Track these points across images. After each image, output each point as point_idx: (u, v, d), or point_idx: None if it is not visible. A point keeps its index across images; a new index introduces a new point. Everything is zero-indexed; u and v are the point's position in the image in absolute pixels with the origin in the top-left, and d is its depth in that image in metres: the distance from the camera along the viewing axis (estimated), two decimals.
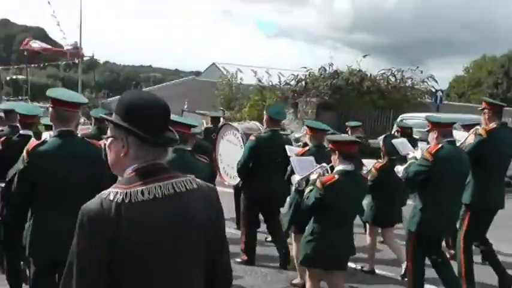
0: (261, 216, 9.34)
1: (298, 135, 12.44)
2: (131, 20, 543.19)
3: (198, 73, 79.17)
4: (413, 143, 8.96)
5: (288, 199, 7.68)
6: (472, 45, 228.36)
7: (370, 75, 24.43)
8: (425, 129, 7.30)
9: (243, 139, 9.37)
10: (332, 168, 6.17)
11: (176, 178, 2.51)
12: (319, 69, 24.54)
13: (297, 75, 25.12)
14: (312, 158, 7.02)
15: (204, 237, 2.53)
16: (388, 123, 21.10)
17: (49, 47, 25.61)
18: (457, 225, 7.57)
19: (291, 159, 7.28)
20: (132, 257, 2.34)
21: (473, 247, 7.66)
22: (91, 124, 10.80)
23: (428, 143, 7.07)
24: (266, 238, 9.94)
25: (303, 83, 24.35)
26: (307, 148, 8.06)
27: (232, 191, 10.07)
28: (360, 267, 8.87)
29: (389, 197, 8.33)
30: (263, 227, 9.44)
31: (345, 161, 5.86)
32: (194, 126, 5.93)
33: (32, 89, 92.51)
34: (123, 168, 2.52)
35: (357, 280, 8.42)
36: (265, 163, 8.28)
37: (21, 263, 6.86)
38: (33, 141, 5.31)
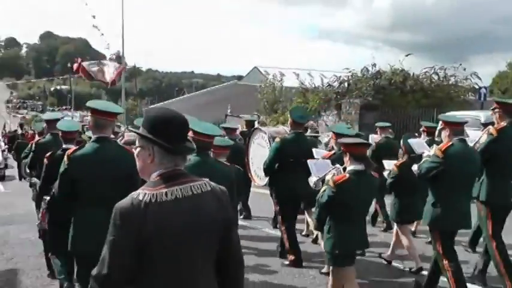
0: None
1: (326, 139, 12.72)
2: (172, 28, 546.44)
3: (239, 77, 79.36)
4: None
5: None
6: None
7: (413, 74, 24.28)
8: (438, 128, 7.70)
9: (269, 141, 10.14)
10: (345, 169, 6.68)
11: (193, 182, 3.11)
12: (362, 70, 24.49)
13: (340, 76, 25.07)
14: (328, 161, 7.71)
15: (216, 231, 3.12)
16: (432, 122, 20.88)
17: (95, 73, 25.84)
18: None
19: (308, 162, 7.80)
20: (157, 246, 2.92)
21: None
22: None
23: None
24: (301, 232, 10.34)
25: (346, 84, 24.31)
26: (332, 152, 8.73)
27: (268, 192, 10.30)
28: (407, 269, 9.17)
29: (410, 193, 8.61)
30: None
31: (356, 161, 6.38)
32: (215, 136, 6.60)
33: (76, 98, 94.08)
34: (149, 173, 3.12)
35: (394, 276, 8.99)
36: (290, 163, 8.67)
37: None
38: (73, 148, 6.18)
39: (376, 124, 13.26)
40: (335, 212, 6.47)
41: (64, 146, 7.58)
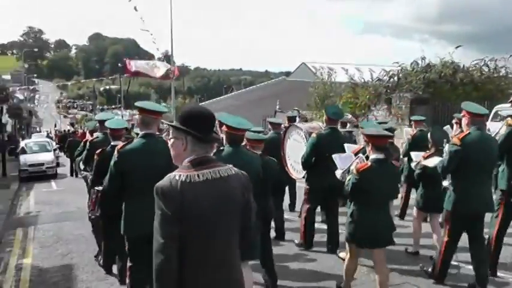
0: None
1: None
2: (219, 25, 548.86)
3: (287, 73, 79.21)
4: None
5: None
6: None
7: (463, 66, 23.83)
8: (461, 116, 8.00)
9: (306, 137, 10.38)
10: (367, 157, 7.18)
11: (220, 167, 3.72)
12: (412, 64, 24.11)
13: (389, 70, 24.77)
14: (351, 154, 8.19)
15: (238, 208, 3.72)
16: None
17: (142, 70, 26.17)
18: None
19: (332, 156, 8.32)
20: (192, 217, 3.48)
21: None
22: None
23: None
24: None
25: (396, 78, 23.99)
26: (362, 146, 8.73)
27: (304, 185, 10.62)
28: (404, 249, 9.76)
29: (436, 184, 8.73)
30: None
31: (377, 151, 6.90)
32: (246, 130, 7.17)
33: (125, 98, 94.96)
34: (182, 160, 3.70)
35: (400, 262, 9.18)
36: (326, 157, 8.79)
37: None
38: (121, 144, 6.83)
39: (411, 118, 13.87)
40: (358, 198, 6.99)
41: (112, 142, 8.21)
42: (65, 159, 28.94)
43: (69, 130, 38.79)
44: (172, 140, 3.80)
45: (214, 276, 3.59)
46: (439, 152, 8.45)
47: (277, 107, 26.06)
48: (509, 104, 9.58)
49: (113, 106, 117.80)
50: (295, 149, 10.69)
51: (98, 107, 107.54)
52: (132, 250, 6.65)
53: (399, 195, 10.78)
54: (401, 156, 11.85)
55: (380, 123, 11.91)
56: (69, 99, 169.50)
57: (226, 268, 3.67)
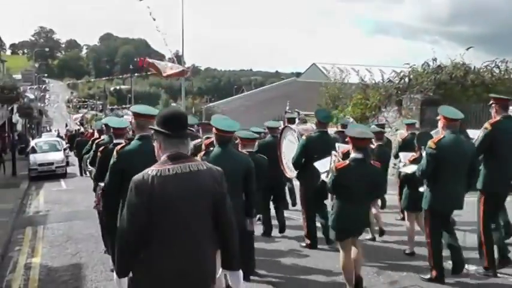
0: None
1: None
2: (230, 25, 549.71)
3: (298, 74, 79.28)
4: None
5: None
6: None
7: (474, 68, 23.73)
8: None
9: (298, 138, 10.78)
10: (348, 155, 7.92)
11: (191, 162, 4.31)
12: (423, 65, 24.04)
13: (400, 71, 24.70)
14: (328, 157, 8.77)
15: (209, 199, 4.27)
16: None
17: (156, 66, 26.27)
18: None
19: (314, 164, 9.24)
20: (161, 207, 4.09)
21: None
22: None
23: None
24: None
25: (407, 79, 23.91)
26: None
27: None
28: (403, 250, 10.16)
29: (419, 186, 8.97)
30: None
31: (357, 151, 7.49)
32: (234, 131, 7.84)
33: (135, 98, 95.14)
34: (159, 157, 4.36)
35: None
36: (316, 158, 9.28)
37: None
38: (121, 144, 7.38)
39: (404, 121, 14.62)
40: (338, 193, 7.67)
41: (115, 141, 8.63)
42: (74, 159, 28.97)
43: (78, 129, 38.77)
44: (154, 141, 4.51)
45: (180, 254, 4.17)
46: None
47: (287, 107, 26.06)
48: None
49: (123, 106, 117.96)
50: (289, 149, 11.08)
51: (108, 106, 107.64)
52: None
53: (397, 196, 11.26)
54: (392, 158, 12.37)
55: (378, 125, 13.38)
56: (80, 99, 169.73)
57: (192, 248, 4.21)
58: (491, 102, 8.77)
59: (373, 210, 10.55)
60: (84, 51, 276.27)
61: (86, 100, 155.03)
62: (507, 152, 8.25)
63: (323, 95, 30.34)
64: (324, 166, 8.82)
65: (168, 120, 4.33)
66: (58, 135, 51.21)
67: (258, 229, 11.17)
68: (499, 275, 8.46)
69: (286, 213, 12.26)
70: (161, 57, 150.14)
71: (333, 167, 7.70)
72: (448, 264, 8.39)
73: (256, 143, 10.31)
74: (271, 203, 11.97)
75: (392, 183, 11.86)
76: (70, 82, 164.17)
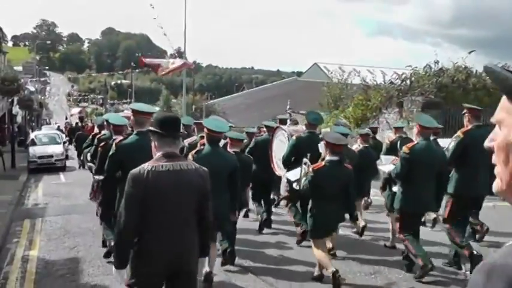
0: None
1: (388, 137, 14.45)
2: (232, 23, 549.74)
3: (299, 73, 79.41)
4: None
5: None
6: None
7: (476, 71, 23.70)
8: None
9: (288, 138, 11.31)
10: (317, 158, 8.81)
11: (181, 161, 5.06)
12: (424, 67, 24.00)
13: (402, 73, 24.68)
14: (298, 168, 9.44)
15: (195, 194, 5.03)
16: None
17: (152, 63, 26.39)
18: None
19: (285, 175, 10.73)
20: (154, 198, 4.82)
21: None
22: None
23: None
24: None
25: (408, 81, 23.89)
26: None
27: None
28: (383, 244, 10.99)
29: None
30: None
31: (332, 154, 8.19)
32: (223, 132, 8.57)
33: (136, 93, 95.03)
34: (155, 154, 5.03)
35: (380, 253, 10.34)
36: (305, 157, 9.57)
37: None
38: (118, 138, 8.34)
39: (393, 125, 15.18)
40: (314, 193, 8.30)
41: (114, 137, 9.19)
42: (74, 152, 28.94)
43: (77, 123, 38.78)
44: (152, 141, 5.20)
45: (169, 238, 4.89)
46: None
47: (288, 106, 26.06)
48: None
49: (124, 101, 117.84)
50: (280, 149, 11.55)
51: (108, 101, 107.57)
52: None
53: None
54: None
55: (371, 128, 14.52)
56: (80, 93, 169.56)
57: (179, 234, 4.95)
58: (464, 111, 9.41)
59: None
60: (86, 45, 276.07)
61: (87, 94, 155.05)
62: (477, 159, 8.49)
63: (325, 95, 30.29)
64: (295, 175, 9.71)
65: (163, 122, 5.07)
66: (58, 129, 51.11)
67: (248, 223, 12.24)
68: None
69: (274, 209, 13.18)
70: (163, 53, 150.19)
71: (310, 169, 8.39)
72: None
73: (253, 139, 12.77)
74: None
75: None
76: (71, 76, 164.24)
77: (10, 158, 27.45)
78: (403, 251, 9.20)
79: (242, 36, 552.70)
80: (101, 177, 8.97)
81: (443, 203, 9.19)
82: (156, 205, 4.86)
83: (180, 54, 37.41)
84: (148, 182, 4.78)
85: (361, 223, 11.09)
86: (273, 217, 12.83)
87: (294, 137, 10.79)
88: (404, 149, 8.67)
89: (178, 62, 26.36)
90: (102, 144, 9.49)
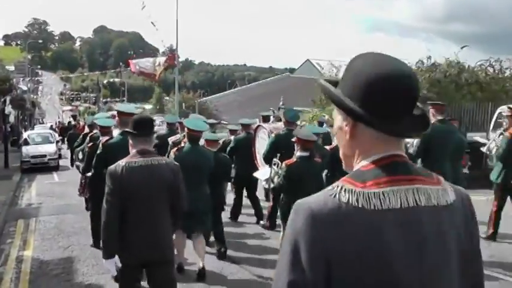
0: None
1: None
2: (224, 20, 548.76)
3: (292, 70, 79.42)
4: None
5: None
6: None
7: (468, 66, 23.73)
8: None
9: (269, 135, 11.88)
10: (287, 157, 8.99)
11: (153, 157, 5.67)
12: (417, 63, 24.03)
13: None
14: (269, 168, 10.13)
15: (166, 187, 5.65)
16: (487, 116, 20.38)
17: (146, 71, 26.55)
18: None
19: (255, 174, 11.59)
20: (129, 192, 5.42)
21: None
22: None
23: None
24: None
25: None
26: (334, 145, 11.02)
27: None
28: None
29: None
30: None
31: (303, 150, 8.57)
32: (202, 130, 9.06)
33: (129, 91, 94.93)
34: (131, 151, 5.70)
35: None
36: (283, 154, 9.84)
37: None
38: (105, 138, 9.18)
39: None
40: (287, 188, 8.57)
41: (101, 137, 9.78)
42: (67, 151, 28.86)
43: (70, 122, 38.72)
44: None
45: (144, 228, 5.49)
46: None
47: (281, 103, 26.07)
48: None
49: (117, 99, 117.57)
50: (262, 146, 12.04)
51: (101, 99, 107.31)
52: None
53: None
54: None
55: None
56: (73, 91, 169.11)
57: (153, 225, 5.55)
58: (429, 107, 9.87)
59: None
60: (78, 43, 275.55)
61: (79, 93, 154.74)
62: (441, 152, 9.33)
63: (317, 91, 30.27)
64: (264, 175, 10.53)
65: (137, 123, 5.72)
66: (51, 128, 50.98)
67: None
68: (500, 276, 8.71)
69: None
70: (155, 50, 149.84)
71: (283, 165, 8.72)
72: None
73: (232, 138, 13.59)
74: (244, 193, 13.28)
75: None
76: (63, 75, 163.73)
77: (3, 158, 27.37)
78: None
79: (234, 33, 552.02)
80: (89, 174, 9.90)
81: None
82: (131, 198, 5.45)
83: (172, 51, 37.36)
84: (123, 177, 5.41)
85: None
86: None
87: (273, 135, 11.27)
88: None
89: (162, 60, 26.36)
90: (90, 144, 10.37)
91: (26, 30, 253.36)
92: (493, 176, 10.62)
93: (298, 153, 8.64)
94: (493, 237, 10.47)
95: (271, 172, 9.75)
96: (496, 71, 23.88)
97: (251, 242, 11.12)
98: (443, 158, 9.33)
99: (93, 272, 9.19)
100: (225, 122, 24.53)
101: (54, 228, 12.87)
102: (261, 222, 12.50)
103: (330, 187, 1.86)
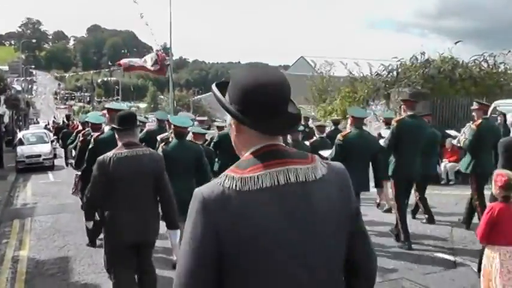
0: None
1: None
2: (218, 18, 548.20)
3: (286, 67, 79.26)
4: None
5: None
6: None
7: (462, 62, 23.72)
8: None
9: None
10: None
11: (138, 148, 6.32)
12: (411, 59, 24.00)
13: (388, 65, 24.68)
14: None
15: (151, 175, 6.27)
16: None
17: (136, 64, 26.68)
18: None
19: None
20: (116, 180, 6.03)
21: None
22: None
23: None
24: None
25: (395, 73, 23.90)
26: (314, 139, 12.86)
27: None
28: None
29: None
30: None
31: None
32: (187, 127, 9.66)
33: (123, 90, 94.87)
34: (118, 144, 6.32)
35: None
36: None
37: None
38: (96, 134, 9.48)
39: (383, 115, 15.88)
40: None
41: (92, 133, 10.07)
42: (61, 151, 28.82)
43: (63, 122, 38.68)
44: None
45: (132, 212, 6.09)
46: None
47: None
48: (510, 100, 10.84)
49: (111, 98, 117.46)
50: None
51: (95, 98, 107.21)
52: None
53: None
54: None
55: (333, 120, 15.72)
56: (67, 91, 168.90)
57: (139, 209, 6.16)
58: (401, 103, 10.76)
59: None
60: (72, 42, 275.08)
61: (73, 92, 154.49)
62: (410, 144, 9.91)
63: (310, 88, 30.30)
64: None
65: (120, 119, 6.37)
66: (45, 127, 50.88)
67: None
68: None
69: None
70: (149, 49, 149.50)
71: None
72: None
73: (217, 134, 13.48)
74: None
75: None
76: (57, 74, 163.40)
77: None
78: None
79: (228, 30, 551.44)
80: (79, 172, 10.37)
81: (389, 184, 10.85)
82: (119, 186, 6.08)
83: (165, 50, 37.32)
84: (110, 166, 6.05)
85: None
86: None
87: None
88: (339, 137, 9.93)
89: (148, 60, 26.34)
90: (81, 140, 10.64)
91: (20, 29, 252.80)
92: (462, 167, 11.26)
93: None
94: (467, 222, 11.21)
95: None
96: (490, 66, 23.85)
97: None
98: (413, 151, 10.00)
99: (89, 271, 9.19)
100: (219, 120, 24.51)
101: (49, 228, 12.87)
102: None
103: (219, 176, 2.24)
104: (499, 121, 13.46)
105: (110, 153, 6.17)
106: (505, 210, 6.22)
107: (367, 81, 24.97)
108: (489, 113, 15.40)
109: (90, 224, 6.94)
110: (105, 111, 12.29)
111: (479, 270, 6.98)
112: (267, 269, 2.10)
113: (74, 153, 11.92)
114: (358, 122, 10.02)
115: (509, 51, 23.59)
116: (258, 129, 2.22)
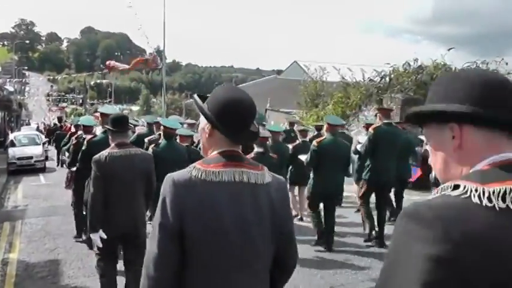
0: None
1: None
2: (212, 22, 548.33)
3: (279, 72, 79.32)
4: None
5: None
6: None
7: (455, 68, 23.76)
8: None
9: None
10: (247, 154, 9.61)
11: (130, 148, 6.78)
12: (404, 65, 24.07)
13: (381, 71, 24.72)
14: None
15: (142, 173, 6.72)
16: None
17: (120, 67, 26.84)
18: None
19: None
20: (110, 178, 6.48)
21: None
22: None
23: None
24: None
25: (387, 79, 23.94)
26: (297, 142, 13.21)
27: None
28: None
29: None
30: None
31: (259, 146, 9.71)
32: (176, 128, 10.52)
33: (115, 92, 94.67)
34: (111, 144, 6.72)
35: None
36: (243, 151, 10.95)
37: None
38: (89, 136, 9.91)
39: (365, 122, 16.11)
40: None
41: (84, 136, 10.57)
42: (53, 153, 28.78)
43: (55, 124, 38.62)
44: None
45: (123, 208, 6.57)
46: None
47: (268, 105, 26.06)
48: None
49: (104, 100, 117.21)
50: None
51: (88, 101, 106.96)
52: None
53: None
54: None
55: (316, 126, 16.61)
56: (60, 93, 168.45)
57: (129, 204, 6.63)
58: (376, 112, 11.57)
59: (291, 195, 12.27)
60: (65, 44, 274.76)
61: (66, 94, 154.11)
62: (385, 151, 10.49)
63: (302, 93, 30.27)
64: None
65: (113, 121, 6.78)
66: (37, 129, 50.76)
67: None
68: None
69: None
70: (142, 51, 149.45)
71: None
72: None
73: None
74: None
75: None
76: (50, 76, 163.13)
77: None
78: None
79: (222, 34, 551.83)
80: (74, 169, 10.82)
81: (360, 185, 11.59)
82: (112, 182, 6.51)
83: (159, 53, 37.36)
84: (105, 164, 6.50)
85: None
86: None
87: None
88: (314, 143, 10.46)
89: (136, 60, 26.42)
90: (74, 142, 11.22)
91: (13, 30, 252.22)
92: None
93: (255, 149, 9.78)
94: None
95: None
96: None
97: None
98: (388, 156, 10.58)
99: (79, 275, 9.16)
100: None
101: (40, 231, 12.81)
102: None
103: (188, 167, 2.78)
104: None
105: (104, 152, 6.62)
106: None
107: (359, 86, 25.00)
108: None
109: (98, 240, 6.66)
110: (97, 114, 12.34)
111: None
112: (217, 240, 2.65)
113: (67, 154, 12.53)
114: (334, 129, 10.50)
115: (502, 59, 23.66)
116: (227, 136, 2.78)
